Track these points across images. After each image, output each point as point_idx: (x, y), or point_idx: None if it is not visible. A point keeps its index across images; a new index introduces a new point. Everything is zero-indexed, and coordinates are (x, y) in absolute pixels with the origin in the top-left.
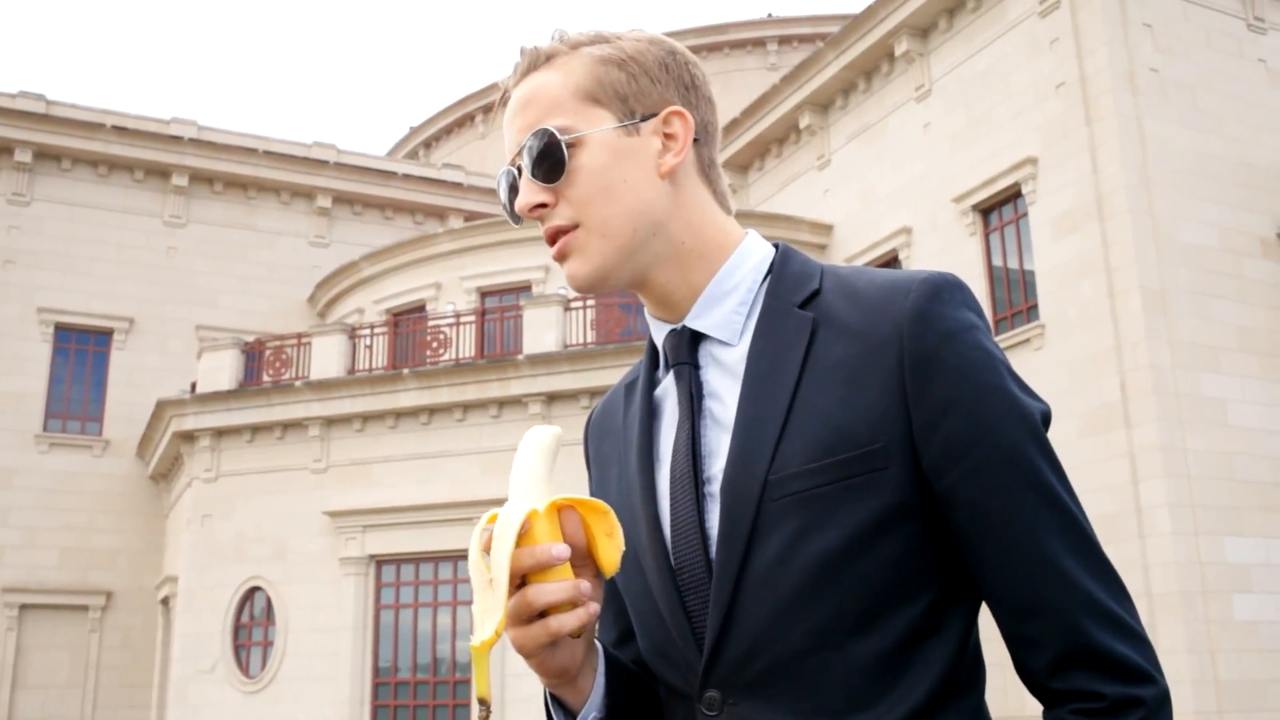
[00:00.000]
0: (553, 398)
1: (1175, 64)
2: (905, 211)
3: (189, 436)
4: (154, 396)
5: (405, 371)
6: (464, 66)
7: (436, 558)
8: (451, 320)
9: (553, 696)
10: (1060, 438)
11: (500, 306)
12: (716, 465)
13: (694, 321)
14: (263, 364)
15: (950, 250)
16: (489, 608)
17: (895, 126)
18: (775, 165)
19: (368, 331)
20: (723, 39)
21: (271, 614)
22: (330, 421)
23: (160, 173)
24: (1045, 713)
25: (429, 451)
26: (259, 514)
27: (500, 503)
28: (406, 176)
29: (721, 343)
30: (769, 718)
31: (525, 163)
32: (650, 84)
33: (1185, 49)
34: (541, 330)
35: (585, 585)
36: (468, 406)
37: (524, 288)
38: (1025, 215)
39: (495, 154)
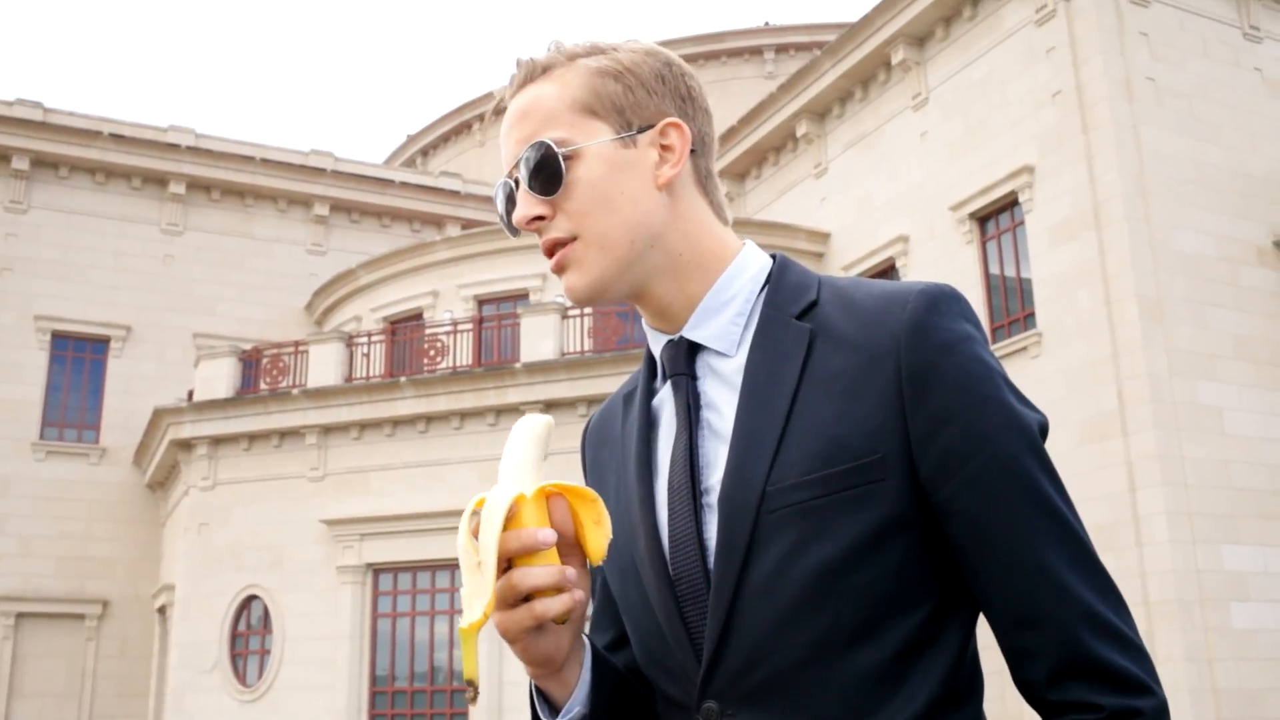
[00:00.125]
0: (550, 405)
1: (1171, 73)
2: (902, 220)
3: (186, 445)
4: (151, 404)
5: (403, 379)
6: (461, 75)
7: (434, 566)
8: (449, 328)
9: (538, 690)
10: (1057, 446)
11: (498, 314)
12: (714, 476)
13: (691, 332)
14: (260, 372)
15: (947, 258)
16: (477, 590)
17: (892, 135)
18: (772, 173)
19: (365, 339)
20: (720, 47)
21: (269, 622)
22: (327, 429)
23: (157, 180)
24: None
25: (426, 460)
26: (256, 522)
27: None
28: (404, 184)
29: (719, 353)
30: None
31: (522, 175)
32: (647, 96)
33: (1181, 58)
34: (539, 338)
35: (571, 572)
36: (465, 415)
37: (521, 295)
38: (1022, 223)
39: (493, 162)
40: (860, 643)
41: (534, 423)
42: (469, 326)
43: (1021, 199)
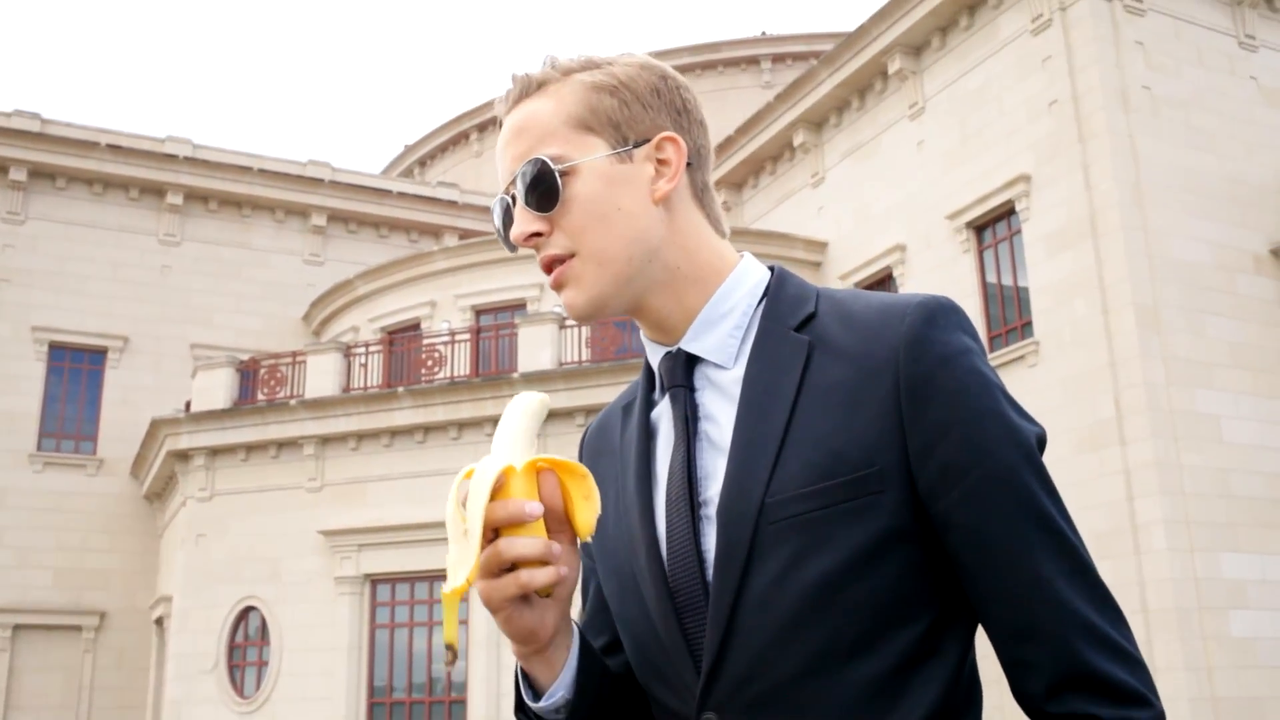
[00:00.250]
0: (548, 416)
1: (1167, 81)
2: (899, 229)
3: (183, 455)
4: (148, 415)
5: (400, 390)
6: (459, 85)
7: (432, 577)
8: (446, 338)
9: (523, 674)
10: (1055, 455)
11: (495, 324)
12: (713, 488)
13: (689, 344)
14: (257, 382)
15: (944, 267)
16: (461, 558)
17: (889, 144)
18: (769, 183)
19: (363, 350)
20: (717, 57)
21: (266, 634)
22: (325, 440)
23: (155, 191)
24: None
25: (424, 470)
26: (253, 533)
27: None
28: (401, 195)
29: (717, 366)
30: None
31: (519, 192)
32: (642, 110)
33: (1177, 67)
34: (537, 348)
35: (557, 546)
36: (463, 425)
37: (519, 306)
38: (1019, 232)
39: (490, 172)
40: (859, 655)
41: (529, 400)
42: (467, 337)
43: (1018, 208)
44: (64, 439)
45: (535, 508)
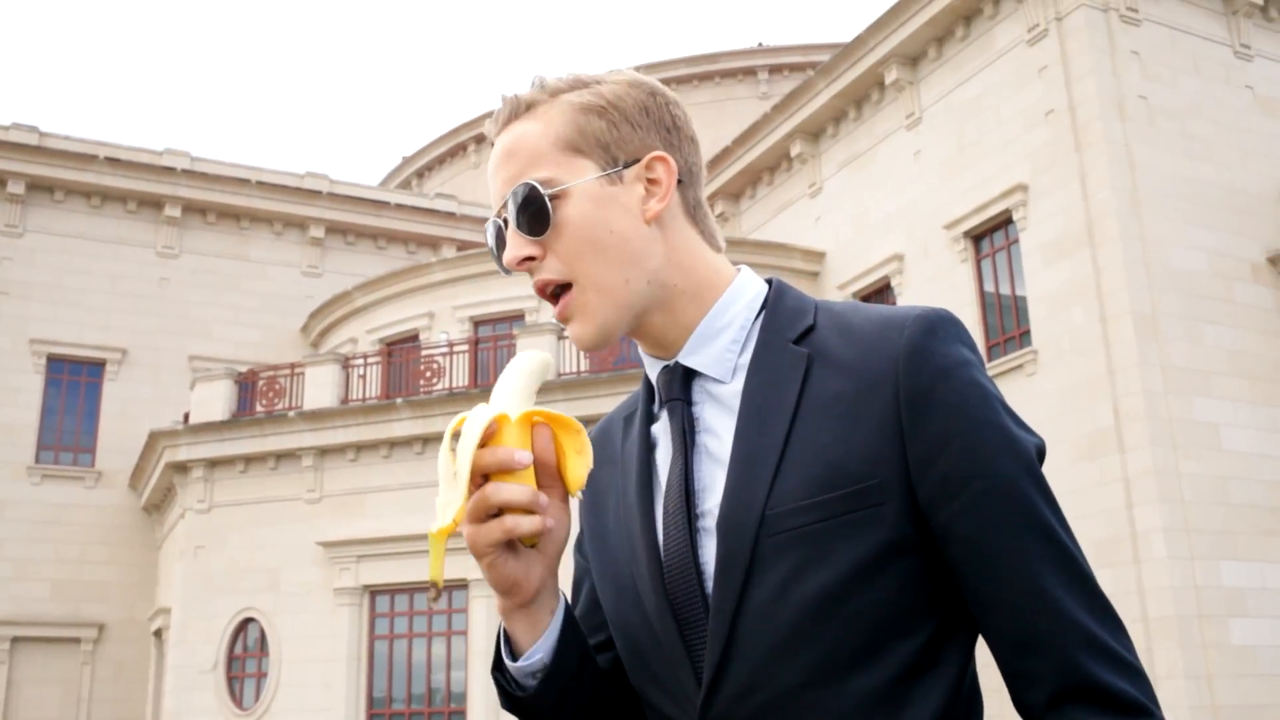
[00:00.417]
0: None
1: (1163, 91)
2: (897, 238)
3: (182, 467)
4: (147, 427)
5: (399, 401)
6: (457, 97)
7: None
8: (445, 349)
9: (505, 636)
10: (1054, 463)
11: (494, 335)
12: (711, 500)
13: (686, 358)
14: (256, 394)
15: (942, 277)
16: (449, 499)
17: (886, 154)
18: (767, 193)
19: (361, 361)
20: (714, 68)
21: (265, 645)
22: (324, 451)
23: (153, 204)
24: None
25: (423, 481)
26: (252, 545)
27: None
28: (399, 206)
29: (716, 380)
30: None
31: (510, 216)
32: (632, 130)
33: (1173, 76)
34: None
35: (545, 497)
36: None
37: (517, 316)
38: (1016, 241)
39: (487, 184)
40: (860, 666)
41: (530, 356)
42: (465, 348)
43: (1015, 217)
44: (62, 451)
45: (524, 456)
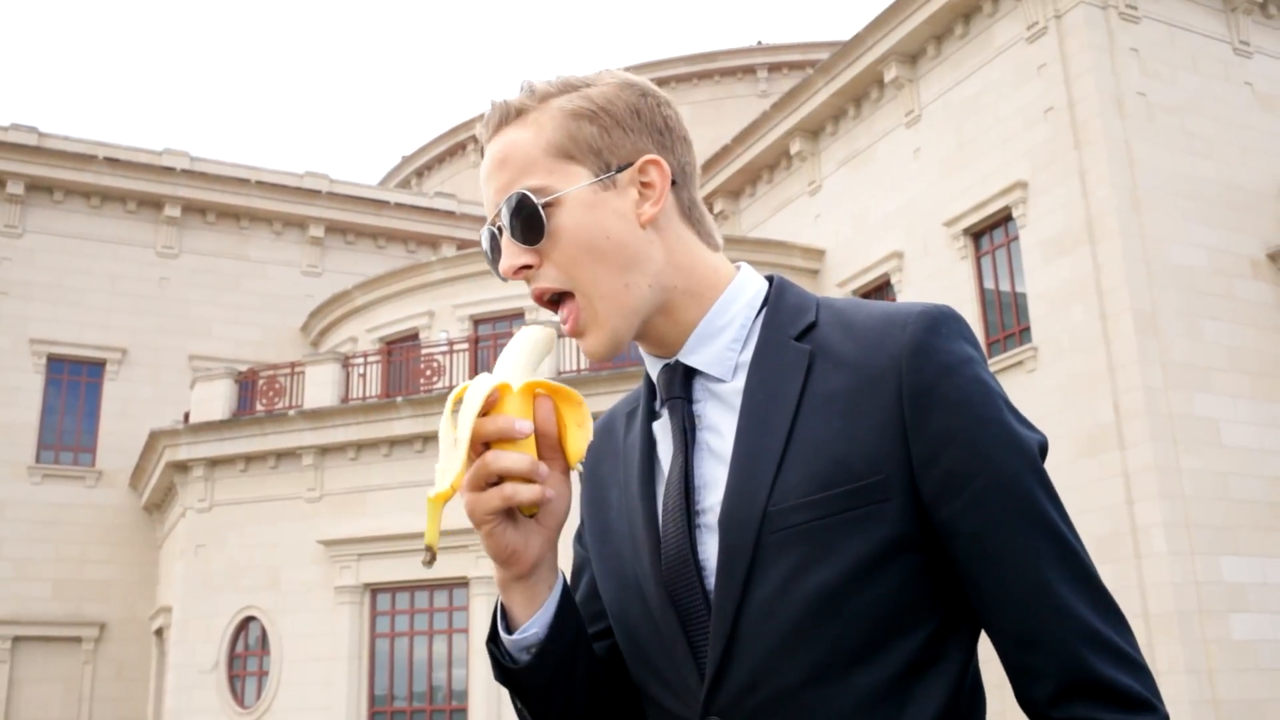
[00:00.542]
0: None
1: (1163, 88)
2: (897, 236)
3: (182, 466)
4: (147, 427)
5: (399, 400)
6: (456, 95)
7: (431, 586)
8: (445, 348)
9: (502, 609)
10: (1055, 460)
11: (494, 334)
12: (711, 497)
13: (687, 357)
14: (256, 393)
15: (942, 274)
16: (449, 466)
17: (885, 152)
18: (766, 191)
19: (361, 360)
20: (713, 66)
21: (266, 644)
22: (324, 450)
23: (153, 203)
24: None
25: (423, 479)
26: (253, 544)
27: None
28: (399, 205)
29: (716, 379)
30: None
31: (504, 224)
32: (623, 134)
33: (1172, 73)
34: None
35: (545, 467)
36: None
37: (517, 315)
38: (1016, 239)
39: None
40: (863, 663)
41: (534, 330)
42: (465, 346)
43: (1015, 214)
44: (63, 451)
45: (525, 425)
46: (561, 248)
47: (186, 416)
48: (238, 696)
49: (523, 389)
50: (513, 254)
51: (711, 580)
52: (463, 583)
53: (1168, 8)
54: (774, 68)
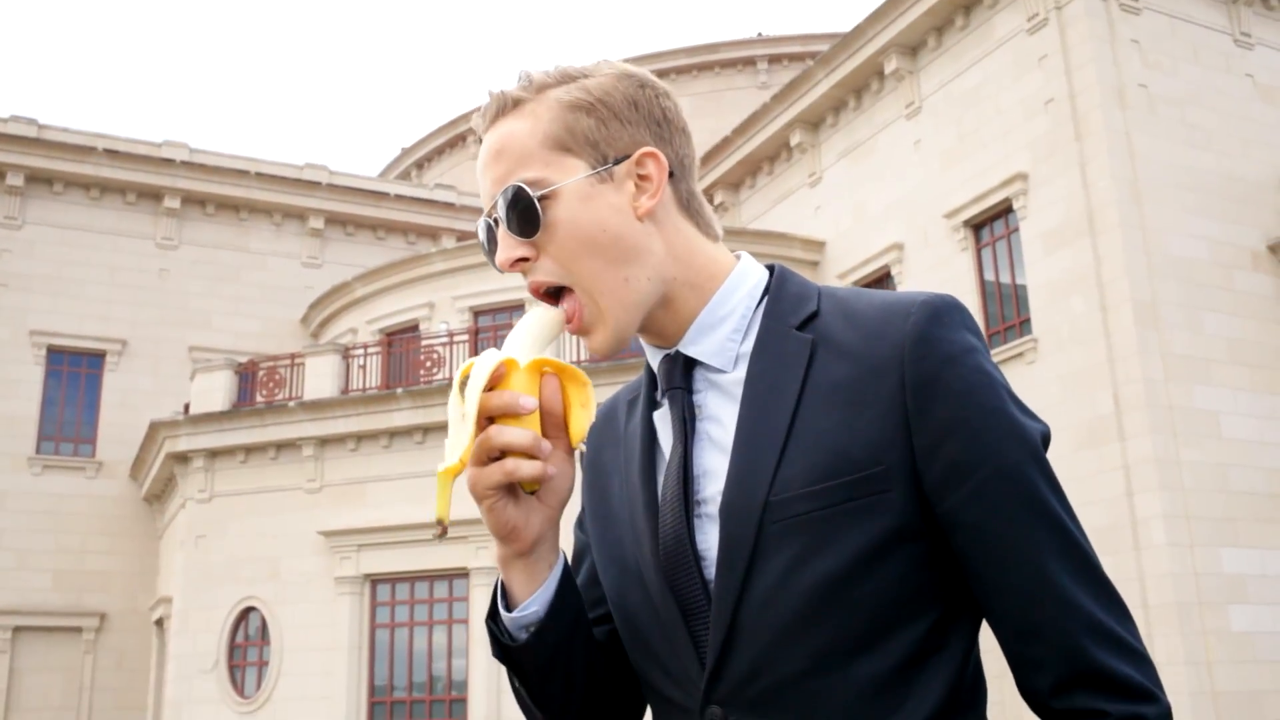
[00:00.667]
0: None
1: (1163, 79)
2: (897, 228)
3: (182, 458)
4: (147, 418)
5: (399, 391)
6: (456, 87)
7: (431, 576)
8: (445, 340)
9: (503, 587)
10: (1054, 451)
11: (494, 325)
12: (712, 487)
13: (687, 348)
14: (256, 385)
15: (942, 266)
16: (458, 440)
17: (886, 143)
18: (767, 183)
19: (361, 351)
20: (713, 58)
21: (266, 634)
22: (324, 441)
23: (152, 195)
24: None
25: (423, 471)
26: (253, 534)
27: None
28: (399, 197)
29: (717, 370)
30: None
31: (500, 217)
32: (621, 127)
33: (1173, 64)
34: None
35: (548, 444)
36: None
37: (517, 306)
38: (1016, 230)
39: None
40: (864, 653)
41: (543, 311)
42: (465, 338)
43: (1015, 206)
44: (63, 442)
45: (529, 401)
46: (558, 241)
47: (186, 408)
48: (238, 686)
49: (529, 366)
50: (509, 246)
51: (711, 570)
52: (463, 573)
53: None
54: (774, 59)
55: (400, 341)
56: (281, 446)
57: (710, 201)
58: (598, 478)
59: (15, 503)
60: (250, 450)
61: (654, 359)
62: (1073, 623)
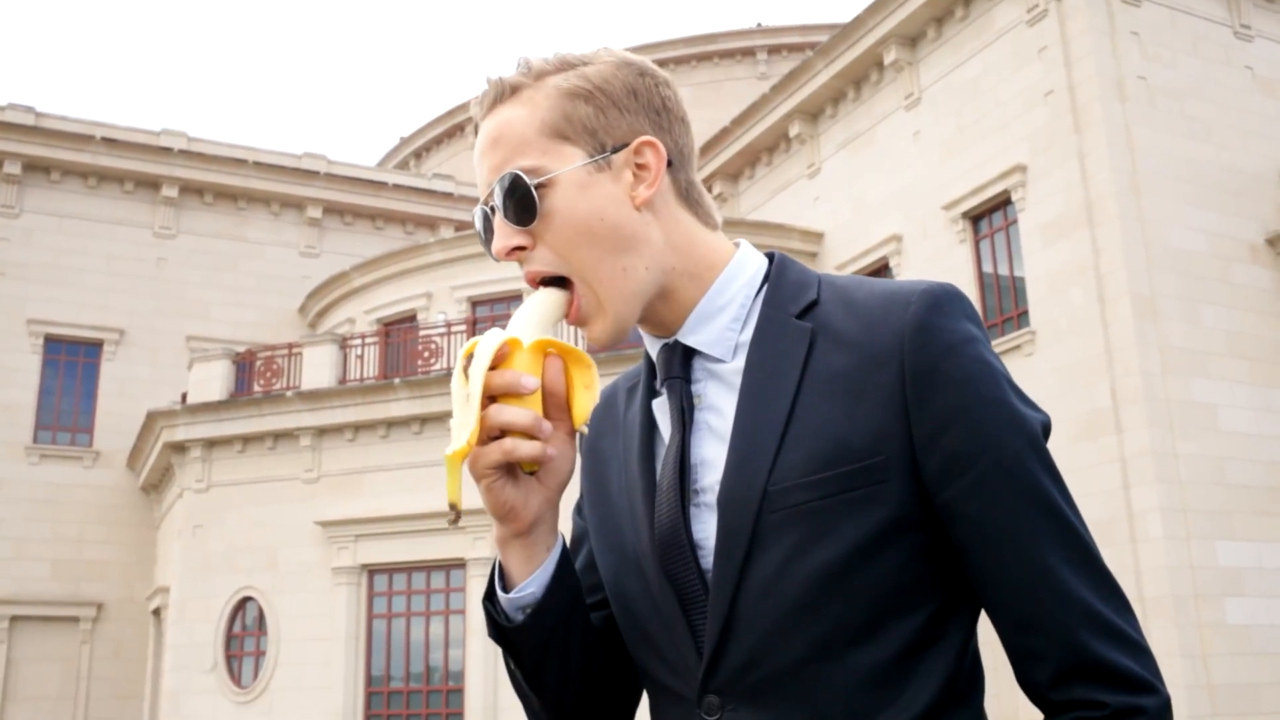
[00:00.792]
0: None
1: (1163, 71)
2: (895, 219)
3: (180, 447)
4: (144, 407)
5: (396, 381)
6: (454, 76)
7: (429, 567)
8: (443, 330)
9: (499, 568)
10: (1052, 443)
11: (491, 315)
12: (710, 476)
13: (686, 337)
14: (253, 374)
15: (941, 257)
16: (464, 422)
17: (885, 135)
18: (766, 173)
19: (359, 341)
20: (713, 48)
21: (263, 624)
22: (321, 431)
23: (150, 184)
24: None
25: (421, 461)
26: (250, 524)
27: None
28: (397, 187)
29: (716, 359)
30: None
31: (497, 205)
32: (619, 115)
33: (1173, 56)
34: None
35: (548, 425)
36: None
37: (514, 297)
38: (1015, 222)
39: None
40: (862, 643)
41: (547, 293)
42: (463, 328)
43: (1014, 198)
44: (60, 431)
45: (531, 381)
46: (555, 230)
47: (184, 397)
48: (235, 676)
49: (533, 346)
50: (505, 235)
51: (707, 559)
52: (460, 564)
53: None
54: (773, 50)
55: (398, 331)
56: (279, 436)
57: (709, 192)
58: (596, 464)
59: (12, 492)
60: (248, 440)
61: (653, 348)
62: (1071, 614)
